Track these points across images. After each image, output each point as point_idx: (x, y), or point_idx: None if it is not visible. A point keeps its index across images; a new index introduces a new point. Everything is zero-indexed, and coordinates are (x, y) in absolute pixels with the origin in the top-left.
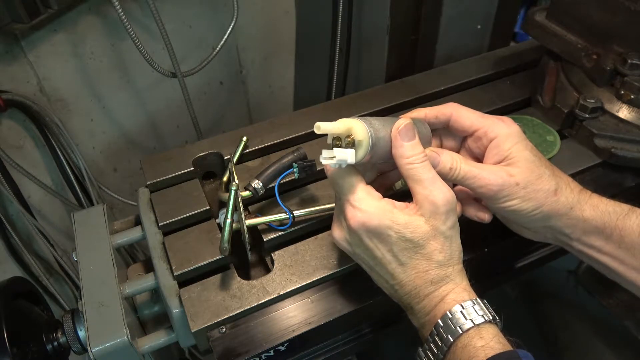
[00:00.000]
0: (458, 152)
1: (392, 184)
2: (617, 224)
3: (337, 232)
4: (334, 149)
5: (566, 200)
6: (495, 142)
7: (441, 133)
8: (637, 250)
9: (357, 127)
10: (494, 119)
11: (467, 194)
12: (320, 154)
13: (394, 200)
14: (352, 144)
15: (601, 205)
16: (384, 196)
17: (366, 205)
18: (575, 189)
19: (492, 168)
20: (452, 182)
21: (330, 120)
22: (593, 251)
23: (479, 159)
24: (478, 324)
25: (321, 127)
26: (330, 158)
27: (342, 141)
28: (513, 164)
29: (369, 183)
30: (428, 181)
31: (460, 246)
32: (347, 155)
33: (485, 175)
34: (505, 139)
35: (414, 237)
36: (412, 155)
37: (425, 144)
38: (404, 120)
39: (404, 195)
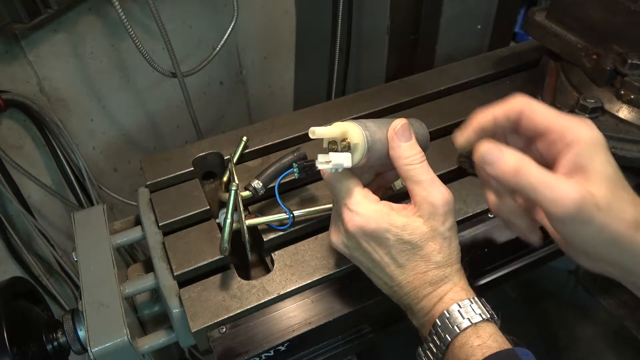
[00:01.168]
0: (527, 147)
1: (390, 184)
2: None
3: (335, 236)
4: (330, 153)
5: None
6: (574, 149)
7: (505, 131)
8: None
9: (352, 130)
10: (574, 119)
11: (518, 205)
12: (323, 153)
13: (391, 203)
14: (348, 148)
15: None
16: (383, 197)
17: (363, 208)
18: None
19: (569, 182)
20: (512, 187)
21: (329, 122)
22: None
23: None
24: (475, 323)
25: (316, 132)
26: (326, 163)
27: (338, 145)
28: (592, 179)
29: (366, 184)
30: (427, 182)
31: (459, 246)
32: (343, 160)
33: (561, 189)
34: (586, 147)
35: (412, 239)
36: (410, 155)
37: (423, 145)
38: (400, 121)
39: (404, 195)
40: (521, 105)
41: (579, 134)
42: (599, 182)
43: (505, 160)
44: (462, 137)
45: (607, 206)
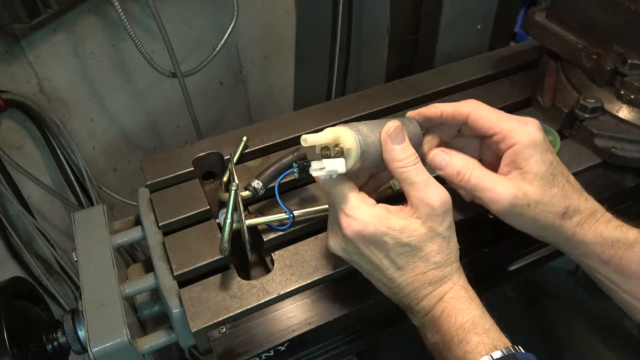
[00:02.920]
0: (479, 147)
1: (385, 184)
2: (618, 252)
3: (333, 241)
4: (323, 160)
5: (570, 225)
6: (514, 150)
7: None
8: (633, 278)
9: (344, 135)
10: (516, 121)
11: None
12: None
13: (388, 205)
14: (341, 153)
15: (606, 233)
16: (382, 196)
17: (360, 213)
18: (584, 213)
19: (507, 183)
20: (457, 187)
21: (329, 122)
22: (588, 267)
23: (495, 162)
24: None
25: (308, 139)
26: (320, 169)
27: (331, 150)
28: (527, 179)
29: (361, 185)
30: (422, 184)
31: (457, 245)
32: (337, 166)
33: (497, 191)
34: (524, 148)
35: (410, 241)
36: (403, 158)
37: (416, 145)
38: (392, 123)
39: (404, 195)
40: (469, 110)
41: (518, 137)
42: (532, 182)
43: (451, 164)
44: (410, 114)
45: (537, 203)
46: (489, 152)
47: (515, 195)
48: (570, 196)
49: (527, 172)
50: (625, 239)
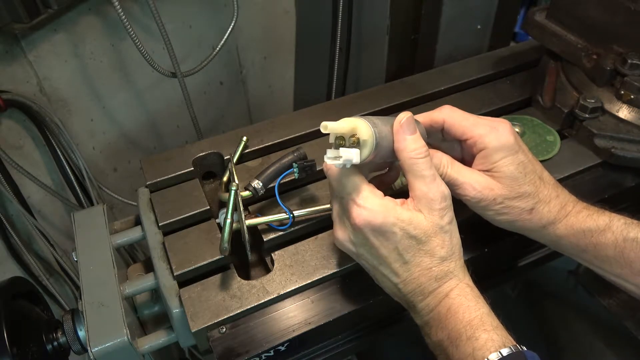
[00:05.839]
0: (459, 146)
1: (389, 184)
2: (591, 240)
3: (340, 233)
4: (340, 149)
5: (539, 220)
6: (484, 153)
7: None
8: (612, 262)
9: (361, 126)
10: (487, 126)
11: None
12: (323, 153)
13: (393, 198)
14: (356, 144)
15: (576, 225)
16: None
17: (371, 203)
18: (554, 208)
19: (476, 178)
20: (445, 179)
21: (330, 120)
22: (572, 256)
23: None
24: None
25: (328, 126)
26: (335, 158)
27: (346, 141)
28: (496, 177)
29: None
30: (429, 178)
31: (460, 241)
32: (353, 155)
33: (466, 187)
34: (493, 152)
35: (417, 234)
36: (414, 148)
37: None
38: (405, 114)
39: (403, 195)
40: (443, 117)
41: (487, 143)
42: (500, 180)
43: (436, 157)
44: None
45: (502, 199)
46: (467, 153)
47: (483, 190)
48: (541, 192)
49: (496, 172)
50: (596, 227)
